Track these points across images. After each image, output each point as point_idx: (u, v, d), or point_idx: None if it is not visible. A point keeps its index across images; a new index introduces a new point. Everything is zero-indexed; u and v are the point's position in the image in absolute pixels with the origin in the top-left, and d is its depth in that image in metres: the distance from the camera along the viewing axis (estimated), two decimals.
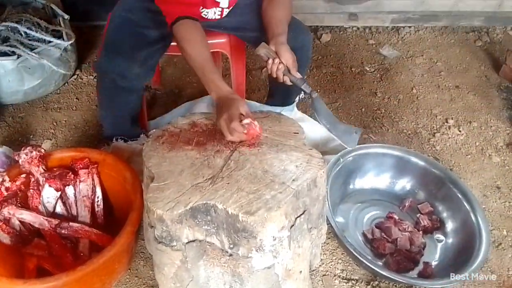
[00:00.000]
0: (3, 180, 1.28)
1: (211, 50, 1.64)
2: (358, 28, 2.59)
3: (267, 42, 1.33)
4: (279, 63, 1.29)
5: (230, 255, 1.03)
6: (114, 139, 1.62)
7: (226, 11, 1.45)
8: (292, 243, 1.04)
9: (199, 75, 1.26)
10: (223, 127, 1.13)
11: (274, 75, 1.32)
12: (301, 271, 1.13)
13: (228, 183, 1.01)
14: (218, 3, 1.41)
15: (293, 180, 1.02)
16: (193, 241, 1.03)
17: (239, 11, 1.49)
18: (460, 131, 1.92)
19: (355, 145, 1.50)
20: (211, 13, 1.44)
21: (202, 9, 1.41)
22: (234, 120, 1.11)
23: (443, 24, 2.59)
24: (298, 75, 1.32)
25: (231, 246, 1.01)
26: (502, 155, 1.82)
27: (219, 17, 1.46)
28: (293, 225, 1.02)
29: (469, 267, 1.28)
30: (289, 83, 1.33)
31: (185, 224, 1.00)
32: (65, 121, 1.92)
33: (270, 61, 1.31)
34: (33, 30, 1.90)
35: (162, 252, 1.07)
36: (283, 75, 1.31)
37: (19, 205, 1.29)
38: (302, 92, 1.34)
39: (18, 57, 1.83)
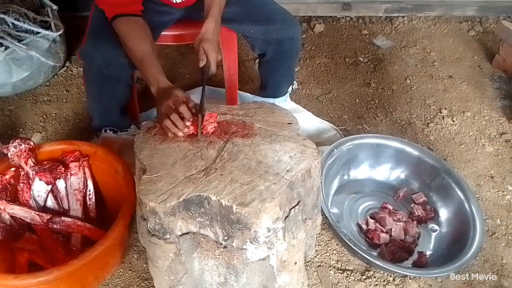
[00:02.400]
0: None
1: None
2: (351, 18, 2.57)
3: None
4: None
5: (225, 247, 1.02)
6: (103, 130, 1.60)
7: None
8: (287, 234, 1.03)
9: (139, 68, 1.25)
10: (164, 123, 1.10)
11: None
12: (296, 262, 1.12)
13: (222, 175, 1.00)
14: None
15: (287, 170, 1.01)
16: (187, 233, 1.02)
17: (228, 2, 1.47)
18: (453, 121, 1.92)
19: None
20: None
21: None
22: (173, 113, 1.09)
23: (437, 14, 2.58)
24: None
25: (225, 238, 1.00)
26: (495, 144, 1.82)
27: (181, 0, 1.45)
28: (287, 216, 1.01)
29: (463, 256, 1.28)
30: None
31: (178, 216, 0.98)
32: (55, 113, 1.89)
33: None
34: (20, 21, 1.86)
35: (155, 245, 1.06)
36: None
37: (9, 199, 1.27)
38: (295, 83, 1.31)
39: (5, 49, 1.79)
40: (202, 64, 1.28)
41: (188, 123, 1.10)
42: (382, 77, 2.17)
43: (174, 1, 1.45)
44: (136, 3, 1.31)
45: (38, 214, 1.25)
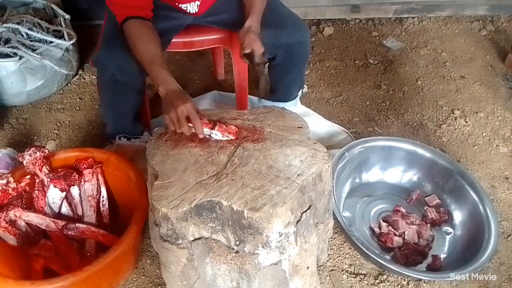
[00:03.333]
0: (8, 182, 1.28)
1: (213, 46, 1.64)
2: (360, 20, 2.56)
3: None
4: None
5: (237, 252, 1.02)
6: (117, 137, 1.62)
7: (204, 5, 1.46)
8: (299, 238, 1.03)
9: (148, 70, 1.25)
10: (169, 124, 1.13)
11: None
12: (308, 267, 1.12)
13: (233, 180, 1.01)
14: None
15: (298, 175, 1.01)
16: (199, 238, 1.03)
17: (234, 7, 1.48)
18: (466, 122, 1.90)
19: None
20: (191, 7, 1.45)
21: (179, 4, 1.43)
22: (182, 119, 1.10)
23: (447, 14, 2.55)
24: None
25: (237, 243, 1.00)
26: (509, 145, 1.80)
27: (197, 10, 1.47)
28: (299, 221, 1.01)
29: (479, 259, 1.27)
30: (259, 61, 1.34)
31: (190, 221, 0.99)
32: (69, 121, 1.92)
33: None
34: (34, 31, 1.89)
35: (168, 250, 1.06)
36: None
37: (24, 206, 1.29)
38: (305, 87, 1.34)
39: (20, 58, 1.83)
40: (247, 51, 1.31)
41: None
42: (393, 79, 2.15)
43: (189, 11, 1.47)
44: (147, 9, 1.33)
45: (53, 221, 1.27)
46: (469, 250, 1.35)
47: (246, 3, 1.42)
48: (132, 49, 1.28)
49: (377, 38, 2.45)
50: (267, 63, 2.16)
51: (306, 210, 1.03)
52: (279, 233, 0.98)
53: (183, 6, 1.45)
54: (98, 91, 1.56)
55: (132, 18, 1.28)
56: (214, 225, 1.00)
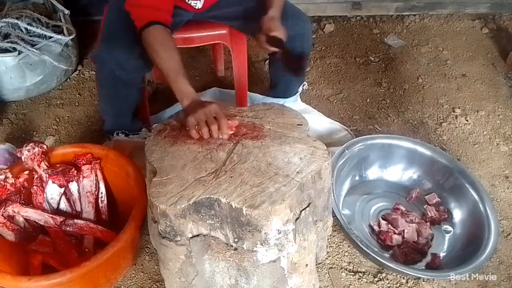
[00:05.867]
0: (6, 177, 1.27)
1: (213, 42, 1.63)
2: (362, 18, 2.55)
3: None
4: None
5: (235, 249, 1.02)
6: (115, 133, 1.61)
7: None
8: (298, 236, 1.03)
9: (171, 80, 1.23)
10: (192, 126, 1.11)
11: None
12: (307, 264, 1.11)
13: (232, 177, 1.00)
14: None
15: (297, 172, 1.00)
16: (197, 235, 1.02)
17: (236, 1, 1.47)
18: (467, 120, 1.89)
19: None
20: (200, 3, 1.44)
21: (189, 0, 1.41)
22: (210, 117, 1.11)
23: (449, 12, 2.54)
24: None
25: (236, 240, 0.99)
26: (510, 144, 1.79)
27: (202, 6, 1.46)
28: (298, 218, 1.00)
29: (478, 258, 1.26)
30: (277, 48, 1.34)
31: (189, 218, 0.99)
32: (68, 117, 1.91)
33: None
34: (33, 26, 1.88)
35: (166, 247, 1.06)
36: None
37: (22, 202, 1.29)
38: (305, 83, 1.34)
39: (19, 53, 1.82)
40: (275, 33, 1.31)
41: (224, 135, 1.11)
42: (394, 77, 2.15)
43: (197, 7, 1.45)
44: (168, 12, 1.30)
45: (51, 217, 1.27)
46: (468, 248, 1.34)
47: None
48: (154, 56, 1.25)
49: (378, 35, 2.44)
50: (267, 60, 2.17)
51: (305, 208, 1.02)
52: (278, 230, 0.97)
53: (192, 3, 1.44)
54: (97, 87, 1.55)
55: (153, 24, 1.25)
56: (212, 222, 1.00)
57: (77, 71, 2.14)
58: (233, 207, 0.94)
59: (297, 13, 1.52)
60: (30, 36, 1.88)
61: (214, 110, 1.12)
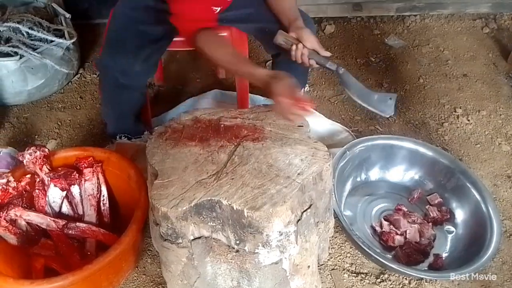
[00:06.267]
0: (8, 181, 1.27)
1: None
2: (362, 19, 2.55)
3: (286, 31, 1.33)
4: (303, 47, 1.28)
5: (237, 251, 1.02)
6: (117, 136, 1.62)
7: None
8: (299, 237, 1.03)
9: (239, 67, 1.25)
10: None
11: (300, 61, 1.30)
12: (309, 266, 1.11)
13: (233, 179, 1.00)
14: None
15: (299, 174, 1.00)
16: (199, 238, 1.02)
17: (242, 3, 1.47)
18: (468, 120, 1.89)
19: (392, 112, 1.35)
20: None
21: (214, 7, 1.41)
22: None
23: (449, 12, 2.54)
24: (327, 53, 1.31)
25: (237, 242, 1.00)
26: None
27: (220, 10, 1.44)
28: (299, 220, 1.00)
29: (481, 258, 1.26)
30: (316, 66, 1.32)
31: (190, 221, 0.99)
32: (70, 120, 1.92)
33: (294, 47, 1.29)
34: (35, 30, 1.89)
35: (168, 249, 1.06)
36: (309, 59, 1.30)
37: (25, 205, 1.29)
38: (307, 86, 1.32)
39: (20, 57, 1.83)
40: (326, 54, 1.31)
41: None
42: (395, 77, 2.14)
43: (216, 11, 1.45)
44: (212, 21, 1.33)
45: (53, 220, 1.27)
46: (471, 249, 1.34)
47: (277, 10, 1.41)
48: (211, 54, 1.27)
49: (379, 36, 2.43)
50: (269, 61, 2.17)
51: (306, 209, 1.02)
52: (280, 232, 0.97)
53: (217, 9, 1.42)
54: (100, 92, 1.56)
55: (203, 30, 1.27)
56: (214, 224, 1.00)
57: (79, 75, 2.15)
58: (235, 209, 0.94)
59: (303, 16, 1.52)
60: (32, 40, 1.89)
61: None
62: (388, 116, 1.37)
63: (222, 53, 1.26)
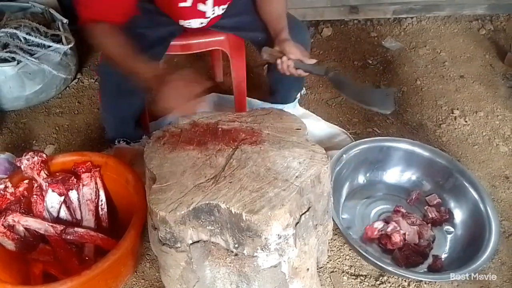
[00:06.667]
0: (6, 186, 1.27)
1: (211, 48, 1.64)
2: (359, 21, 2.56)
3: (271, 41, 1.33)
4: (288, 59, 1.28)
5: (236, 254, 1.01)
6: (116, 141, 1.61)
7: (218, 12, 1.43)
8: (298, 240, 1.03)
9: (126, 62, 1.20)
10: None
11: (288, 73, 1.31)
12: (308, 269, 1.11)
13: (231, 182, 1.00)
14: (204, 13, 1.40)
15: (297, 177, 1.00)
16: (198, 241, 1.02)
17: (236, 11, 1.47)
18: (466, 121, 1.89)
19: (392, 107, 1.28)
20: (195, 23, 1.44)
21: (181, 21, 1.42)
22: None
23: (446, 14, 2.55)
24: (311, 61, 1.30)
25: (236, 245, 0.99)
26: (510, 144, 1.79)
27: (206, 24, 1.46)
28: (298, 223, 1.00)
29: (479, 259, 1.26)
30: (305, 74, 1.32)
31: (189, 225, 0.99)
32: (68, 125, 1.92)
33: (279, 61, 1.30)
34: (32, 35, 1.89)
35: (166, 254, 1.06)
36: (296, 68, 1.30)
37: (22, 211, 1.29)
38: (304, 89, 1.32)
39: (18, 63, 1.83)
40: (312, 61, 1.30)
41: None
42: (392, 79, 2.15)
43: (192, 27, 1.45)
44: (123, 15, 1.25)
45: (52, 226, 1.27)
46: (469, 249, 1.34)
47: (266, 18, 1.40)
48: (100, 46, 1.24)
49: (375, 38, 2.44)
50: (266, 65, 2.17)
51: (305, 212, 1.02)
52: (278, 235, 0.97)
53: (185, 23, 1.44)
54: (100, 97, 1.55)
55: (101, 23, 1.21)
56: (212, 228, 0.99)
57: (76, 80, 2.15)
58: (233, 212, 0.93)
59: (294, 23, 1.52)
60: (29, 45, 1.89)
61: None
62: (388, 112, 1.30)
63: (113, 44, 1.21)
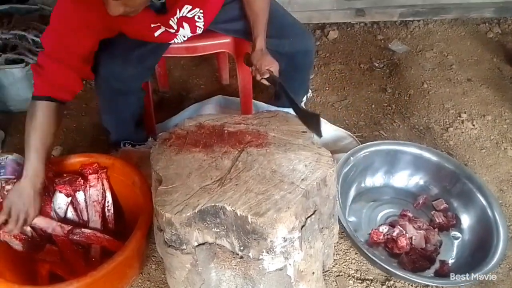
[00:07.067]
0: None
1: (217, 51, 1.64)
2: (365, 24, 2.56)
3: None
4: (256, 69, 1.31)
5: (241, 257, 1.01)
6: (121, 144, 1.62)
7: (200, 30, 1.42)
8: (304, 243, 1.02)
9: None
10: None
11: (259, 79, 1.33)
12: (313, 272, 1.11)
13: (237, 185, 1.00)
14: (175, 34, 1.38)
15: (302, 179, 1.00)
16: (203, 244, 1.02)
17: (235, 16, 1.47)
18: (473, 125, 1.88)
19: (320, 134, 1.10)
20: (179, 39, 1.43)
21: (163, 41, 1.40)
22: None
23: (453, 17, 2.54)
24: (266, 75, 1.31)
25: (242, 248, 0.99)
26: None
27: (186, 38, 1.45)
28: (303, 226, 1.00)
29: (487, 264, 1.24)
30: (267, 84, 1.32)
31: (194, 227, 0.99)
32: (75, 126, 1.93)
33: (252, 68, 1.33)
34: (40, 38, 1.91)
35: (172, 255, 1.06)
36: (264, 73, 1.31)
37: None
38: (310, 91, 1.30)
39: (26, 65, 1.84)
40: (267, 75, 1.30)
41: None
42: (399, 82, 2.14)
43: (177, 41, 1.44)
44: (70, 93, 1.28)
45: (59, 225, 1.27)
46: (477, 255, 1.33)
47: (249, 17, 1.40)
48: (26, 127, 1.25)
49: (382, 41, 2.44)
50: None
51: (310, 215, 1.02)
52: (284, 238, 0.97)
53: (171, 42, 1.43)
54: (99, 100, 1.56)
55: (44, 99, 1.22)
56: (218, 230, 1.00)
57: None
58: (239, 215, 0.93)
59: (299, 30, 1.52)
60: (37, 47, 1.91)
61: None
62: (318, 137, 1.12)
63: (29, 130, 1.24)
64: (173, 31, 1.35)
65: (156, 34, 1.34)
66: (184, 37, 1.43)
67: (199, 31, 1.41)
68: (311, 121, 1.14)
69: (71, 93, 1.29)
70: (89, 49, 1.27)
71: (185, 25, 1.35)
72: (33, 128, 1.23)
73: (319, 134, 1.09)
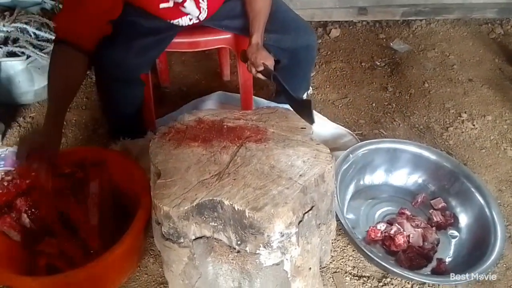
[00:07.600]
0: (14, 178, 1.29)
1: (218, 46, 1.64)
2: (368, 23, 2.56)
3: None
4: (250, 63, 1.33)
5: (238, 251, 1.02)
6: (121, 137, 1.62)
7: (203, 15, 1.42)
8: (301, 239, 1.03)
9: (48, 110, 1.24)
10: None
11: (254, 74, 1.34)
12: (310, 268, 1.11)
13: (235, 179, 1.00)
14: (179, 13, 1.39)
15: (300, 175, 1.00)
16: (201, 237, 1.02)
17: (237, 14, 1.47)
18: (474, 125, 1.88)
19: (312, 121, 1.14)
20: (184, 21, 1.43)
21: (170, 20, 1.41)
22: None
23: (455, 17, 2.53)
24: (260, 68, 1.32)
25: (239, 242, 1.00)
26: None
27: (197, 21, 1.45)
28: (301, 221, 1.00)
29: (484, 263, 1.25)
30: (263, 78, 1.33)
31: (192, 220, 0.99)
32: (75, 120, 1.93)
33: (248, 63, 1.34)
34: (42, 31, 1.91)
35: (169, 249, 1.06)
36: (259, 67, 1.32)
37: (29, 203, 1.30)
38: (310, 89, 1.30)
39: (27, 58, 1.85)
40: (261, 69, 1.31)
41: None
42: (400, 81, 2.14)
43: (181, 24, 1.44)
44: (90, 40, 1.27)
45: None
46: (474, 254, 1.33)
47: (249, 14, 1.40)
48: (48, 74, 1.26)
49: (384, 40, 2.44)
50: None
51: (308, 211, 1.02)
52: (281, 233, 0.97)
53: (174, 21, 1.43)
54: (97, 89, 1.56)
55: (65, 43, 1.23)
56: (215, 224, 1.00)
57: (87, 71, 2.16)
58: (236, 209, 0.94)
59: (301, 26, 1.52)
60: (39, 40, 1.91)
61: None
62: (311, 124, 1.15)
63: (55, 76, 1.24)
64: (180, 0, 1.34)
65: (161, 6, 1.34)
66: (190, 20, 1.42)
67: (203, 14, 1.41)
68: (303, 108, 1.16)
69: (90, 42, 1.28)
70: (106, 9, 1.27)
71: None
72: (52, 71, 1.24)
73: (311, 120, 1.10)
